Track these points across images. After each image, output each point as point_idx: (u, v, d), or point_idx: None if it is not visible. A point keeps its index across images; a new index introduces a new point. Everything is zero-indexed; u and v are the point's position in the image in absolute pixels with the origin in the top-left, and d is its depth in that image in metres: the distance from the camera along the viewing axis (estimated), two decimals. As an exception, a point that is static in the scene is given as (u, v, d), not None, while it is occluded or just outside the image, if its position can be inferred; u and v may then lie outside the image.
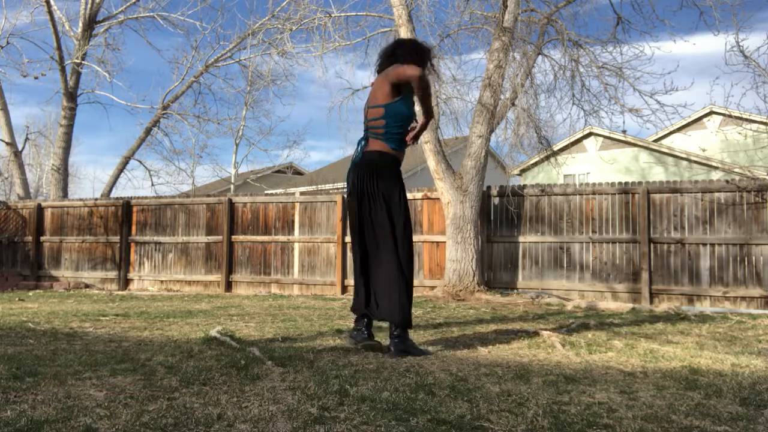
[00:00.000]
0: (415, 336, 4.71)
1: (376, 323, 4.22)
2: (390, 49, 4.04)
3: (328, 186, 20.16)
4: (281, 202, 11.07)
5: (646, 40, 20.47)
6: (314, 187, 20.39)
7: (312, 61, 13.80)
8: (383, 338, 4.30)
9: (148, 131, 16.77)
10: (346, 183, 4.07)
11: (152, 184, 17.46)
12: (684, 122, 19.07)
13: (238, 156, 24.72)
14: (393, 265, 3.73)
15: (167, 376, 3.13)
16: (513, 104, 9.65)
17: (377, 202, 3.81)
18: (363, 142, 3.94)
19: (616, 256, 9.04)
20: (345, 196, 4.14)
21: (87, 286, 11.94)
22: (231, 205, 11.30)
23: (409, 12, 9.46)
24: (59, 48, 15.28)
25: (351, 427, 2.28)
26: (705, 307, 8.30)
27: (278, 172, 27.16)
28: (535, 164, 18.93)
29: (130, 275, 11.92)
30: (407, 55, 3.87)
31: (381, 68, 3.98)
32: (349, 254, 10.38)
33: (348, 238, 10.35)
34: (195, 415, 2.40)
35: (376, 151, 3.85)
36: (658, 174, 16.93)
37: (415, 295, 9.52)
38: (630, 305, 7.93)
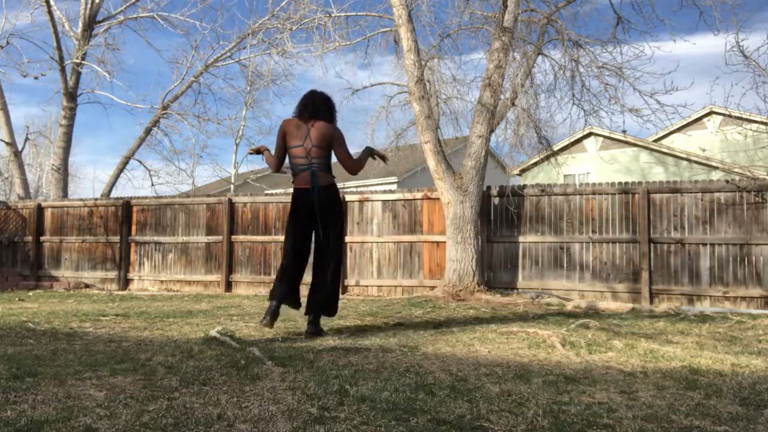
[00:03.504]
0: (416, 336, 4.72)
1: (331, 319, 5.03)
2: (327, 102, 4.84)
3: (328, 186, 20.08)
4: (281, 202, 11.05)
5: (646, 40, 20.38)
6: (314, 186, 20.33)
7: (312, 61, 13.81)
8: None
9: (148, 131, 16.76)
10: (296, 201, 4.90)
11: (152, 184, 17.43)
12: (684, 122, 19.04)
13: (238, 156, 24.66)
14: (334, 270, 4.73)
15: (167, 376, 3.13)
16: (513, 104, 9.65)
17: (332, 221, 4.76)
18: (312, 173, 4.75)
19: (616, 256, 9.04)
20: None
21: (87, 286, 11.94)
22: (231, 205, 11.29)
23: (409, 12, 9.46)
24: (59, 48, 15.27)
25: (351, 427, 2.28)
26: (705, 307, 8.30)
27: (278, 172, 27.10)
28: (535, 164, 18.91)
29: (130, 275, 11.92)
30: (333, 115, 4.85)
31: (317, 113, 4.73)
32: (349, 254, 10.38)
33: (348, 238, 10.35)
34: (195, 415, 2.40)
35: (332, 183, 4.80)
36: (658, 174, 16.92)
37: (415, 295, 9.54)
38: (630, 305, 7.93)
